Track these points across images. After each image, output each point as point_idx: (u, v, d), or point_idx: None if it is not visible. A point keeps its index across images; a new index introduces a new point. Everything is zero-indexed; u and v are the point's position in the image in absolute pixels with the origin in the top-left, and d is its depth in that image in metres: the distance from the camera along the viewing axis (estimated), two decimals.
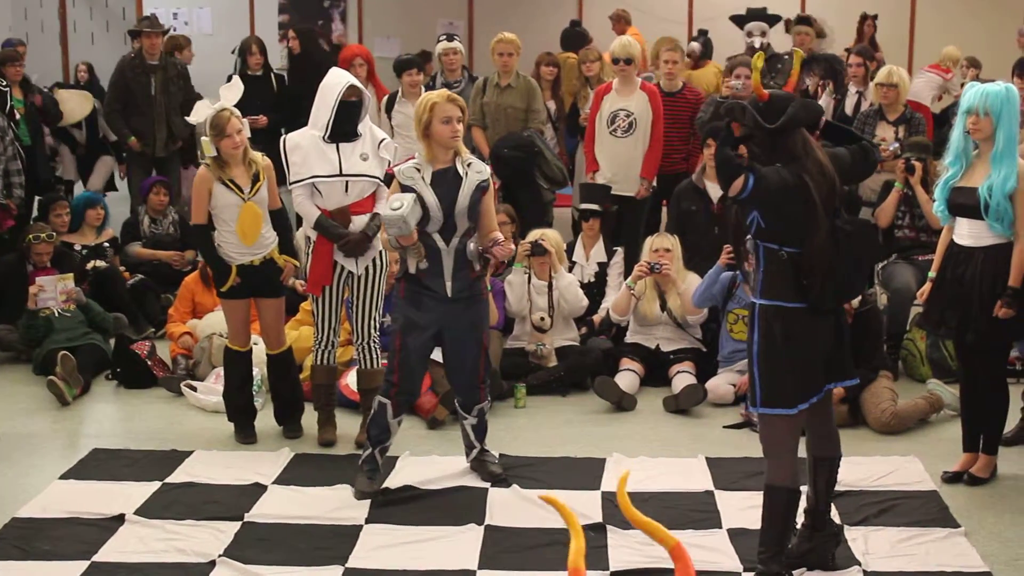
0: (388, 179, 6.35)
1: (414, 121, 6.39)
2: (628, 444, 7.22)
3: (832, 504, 5.63)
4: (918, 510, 6.19)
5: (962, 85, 10.15)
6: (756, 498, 5.53)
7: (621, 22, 14.01)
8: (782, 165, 5.00)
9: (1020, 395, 7.15)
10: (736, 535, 5.81)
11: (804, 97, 10.30)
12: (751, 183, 4.90)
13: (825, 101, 10.33)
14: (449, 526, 6.01)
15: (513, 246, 6.37)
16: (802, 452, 5.46)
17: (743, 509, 6.08)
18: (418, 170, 6.30)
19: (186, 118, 7.28)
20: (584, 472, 6.75)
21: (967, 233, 6.35)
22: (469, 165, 6.36)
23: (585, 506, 6.21)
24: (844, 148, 5.32)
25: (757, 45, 10.89)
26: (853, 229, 5.14)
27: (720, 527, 5.99)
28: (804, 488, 5.50)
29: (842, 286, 5.10)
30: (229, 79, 10.43)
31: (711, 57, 12.43)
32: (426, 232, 6.26)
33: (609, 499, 6.33)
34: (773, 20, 11.35)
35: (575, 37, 12.92)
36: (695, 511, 6.20)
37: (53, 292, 8.88)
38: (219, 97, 7.12)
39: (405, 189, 6.24)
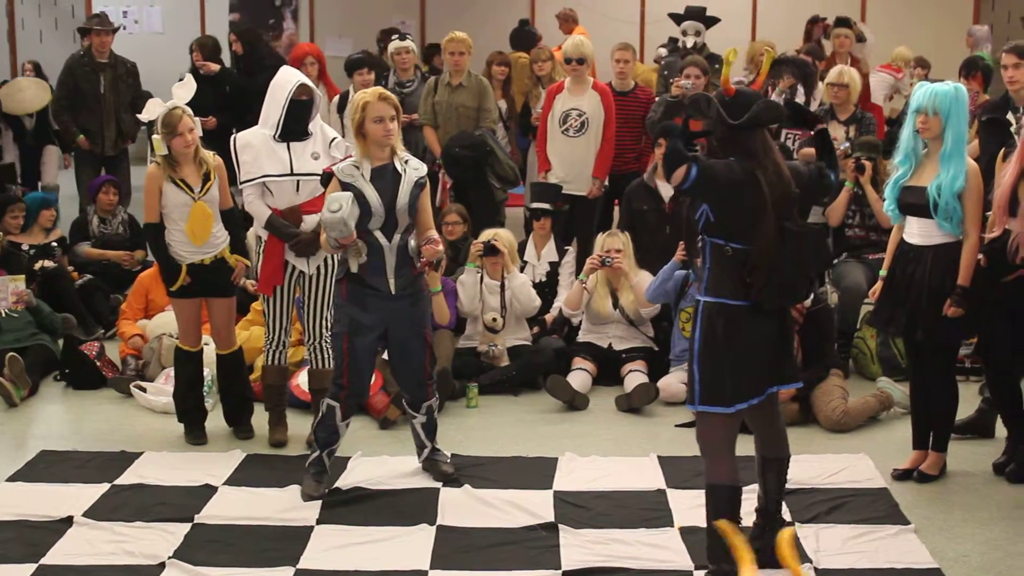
0: (327, 179, 6.30)
1: (349, 120, 6.35)
2: (580, 443, 7.22)
3: (783, 502, 5.65)
4: (868, 507, 6.22)
5: (912, 85, 10.23)
6: None
7: (569, 21, 14.01)
8: (736, 160, 5.02)
9: (978, 391, 7.18)
10: (688, 533, 5.82)
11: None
12: (693, 173, 4.89)
13: (775, 99, 10.37)
14: (401, 526, 5.99)
15: (441, 247, 6.34)
16: (752, 451, 5.49)
17: (695, 507, 6.06)
18: (357, 167, 6.28)
19: (137, 116, 7.21)
20: (536, 471, 6.74)
21: (917, 232, 6.39)
22: (407, 162, 6.34)
23: (537, 506, 6.21)
24: (804, 166, 5.36)
25: (689, 44, 10.92)
26: (801, 232, 5.15)
27: (672, 526, 6.00)
28: (754, 486, 5.54)
29: (785, 287, 5.09)
30: (182, 77, 10.41)
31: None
32: (367, 229, 6.24)
33: (561, 498, 6.33)
34: (711, 21, 11.37)
35: (525, 36, 12.93)
36: (647, 509, 6.21)
37: (4, 293, 8.79)
38: (171, 95, 7.06)
39: (345, 187, 6.22)
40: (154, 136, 6.97)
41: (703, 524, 5.36)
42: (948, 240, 6.30)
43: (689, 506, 6.12)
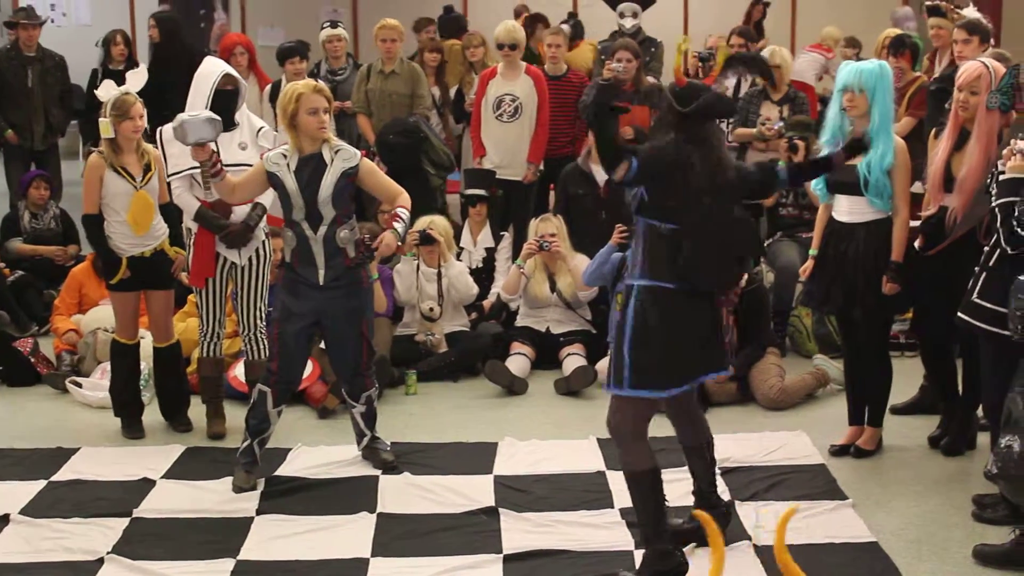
0: None
1: (279, 110, 6.30)
2: (520, 427, 7.24)
3: (720, 480, 5.68)
4: (807, 484, 6.28)
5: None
6: None
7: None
8: (672, 142, 5.02)
9: (921, 367, 7.25)
10: (628, 513, 5.83)
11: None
12: (635, 167, 4.90)
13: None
14: (341, 515, 5.98)
15: (392, 239, 6.32)
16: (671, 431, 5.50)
17: None
18: (285, 156, 6.25)
19: (96, 92, 7.14)
20: (476, 457, 6.76)
21: (847, 210, 6.44)
22: (337, 152, 6.29)
23: (478, 491, 6.23)
24: (755, 168, 5.43)
25: (628, 26, 10.93)
26: (733, 217, 5.17)
27: (612, 506, 6.03)
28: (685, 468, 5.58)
29: (715, 270, 5.09)
30: (93, 73, 10.28)
31: (583, 37, 12.49)
32: (293, 220, 6.22)
33: (502, 482, 6.34)
34: (646, 3, 11.35)
35: (451, 23, 12.88)
36: (587, 491, 6.23)
37: None
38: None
39: (270, 175, 6.22)
40: (102, 119, 6.90)
41: None
42: (879, 216, 6.36)
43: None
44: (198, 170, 6.77)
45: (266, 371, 6.43)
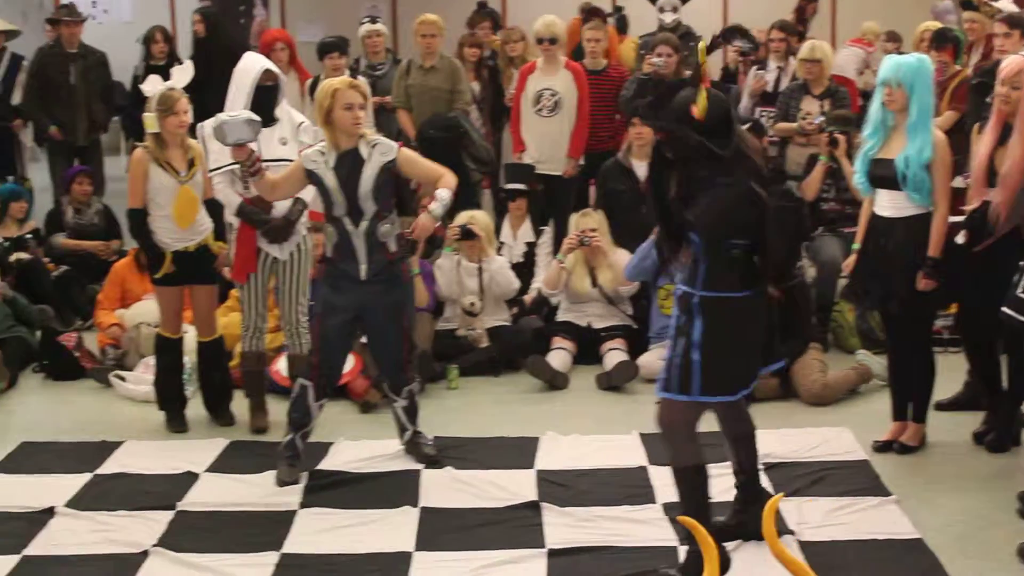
0: None
1: (315, 107, 6.32)
2: (561, 422, 7.23)
3: (763, 475, 5.66)
4: (850, 480, 6.25)
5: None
6: None
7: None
8: (730, 186, 4.93)
9: (967, 361, 7.21)
10: (671, 509, 5.82)
11: (725, 75, 10.37)
12: (697, 243, 4.93)
13: (752, 74, 10.39)
14: (384, 509, 5.99)
15: (428, 222, 6.33)
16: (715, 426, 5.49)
17: None
18: (322, 154, 6.26)
19: (141, 87, 7.18)
20: (518, 451, 6.75)
21: (887, 204, 6.40)
22: (374, 147, 6.29)
23: (520, 485, 6.24)
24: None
25: (668, 20, 10.90)
26: (784, 209, 5.17)
27: (655, 502, 6.02)
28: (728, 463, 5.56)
29: (785, 265, 5.13)
30: (135, 69, 10.33)
31: (627, 32, 12.45)
32: (335, 216, 6.24)
33: (544, 477, 6.34)
34: None
35: (485, 18, 12.86)
36: (630, 486, 6.23)
37: None
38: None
39: (308, 174, 6.23)
40: (147, 114, 6.93)
41: None
42: (918, 211, 6.31)
43: (671, 482, 6.09)
44: (239, 166, 6.80)
45: (307, 365, 6.46)
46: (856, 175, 6.57)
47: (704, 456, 5.20)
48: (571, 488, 6.22)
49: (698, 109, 4.88)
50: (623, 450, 6.75)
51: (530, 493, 6.13)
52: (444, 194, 6.34)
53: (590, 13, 11.71)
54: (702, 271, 5.01)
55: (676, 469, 5.20)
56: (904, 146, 6.25)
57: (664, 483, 6.15)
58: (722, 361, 5.01)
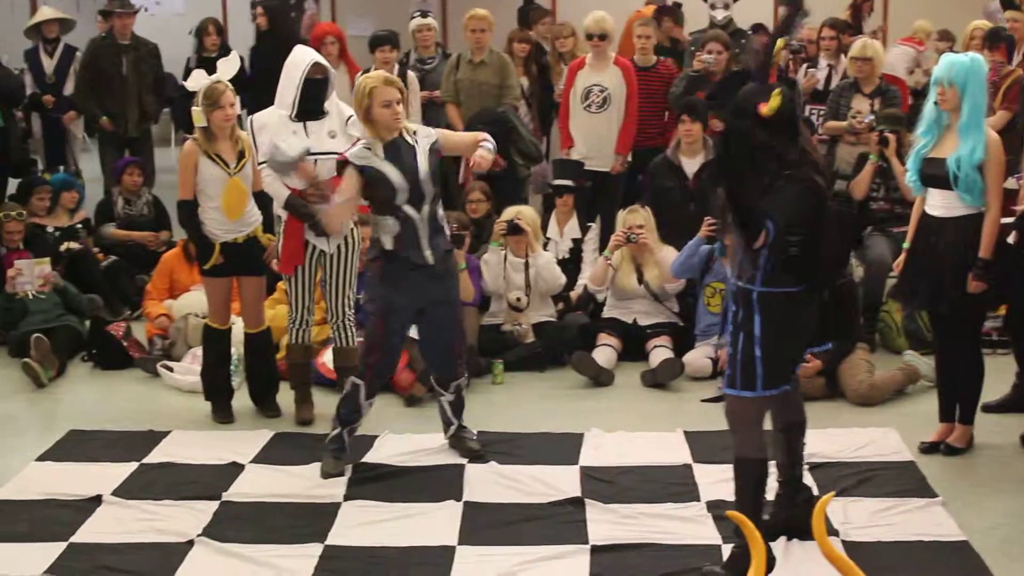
0: (342, 165, 6.30)
1: (354, 106, 6.34)
2: (606, 419, 7.22)
3: (808, 475, 5.64)
4: (895, 481, 6.21)
5: (935, 58, 10.16)
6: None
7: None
8: (792, 177, 4.94)
9: (1015, 363, 7.16)
10: (714, 507, 5.82)
11: (780, 74, 10.31)
12: (772, 231, 4.88)
13: (803, 72, 10.33)
14: (428, 503, 6.01)
15: (489, 154, 6.37)
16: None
17: (721, 481, 6.05)
18: (368, 148, 6.27)
19: (184, 83, 7.23)
20: (562, 447, 6.76)
21: (938, 204, 6.36)
22: (415, 133, 6.33)
23: (564, 481, 6.23)
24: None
25: (719, 17, 10.85)
26: (843, 208, 5.18)
27: (698, 500, 6.01)
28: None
29: (835, 263, 5.15)
30: (188, 61, 10.39)
31: (683, 25, 12.41)
32: (396, 205, 6.24)
33: (588, 473, 6.34)
34: None
35: (531, 14, 12.85)
36: (673, 484, 6.22)
37: (30, 276, 8.83)
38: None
39: (362, 170, 6.22)
40: (194, 108, 6.97)
41: (730, 498, 5.36)
42: (969, 212, 6.26)
43: (715, 480, 6.13)
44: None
45: (363, 364, 6.46)
46: (908, 174, 6.53)
47: (767, 451, 5.23)
48: (614, 485, 6.22)
49: (768, 108, 4.88)
50: (667, 447, 6.74)
51: (573, 489, 6.13)
52: (488, 142, 6.42)
53: (663, 12, 11.71)
54: (762, 267, 5.00)
55: (738, 460, 5.21)
56: (956, 146, 6.20)
57: (707, 481, 6.19)
58: (781, 354, 5.07)
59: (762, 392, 5.07)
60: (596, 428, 7.02)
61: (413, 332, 6.72)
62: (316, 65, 6.90)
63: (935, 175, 6.29)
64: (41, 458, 6.70)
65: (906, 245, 6.63)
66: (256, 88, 10.16)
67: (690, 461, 6.52)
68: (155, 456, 6.69)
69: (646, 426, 7.10)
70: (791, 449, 5.52)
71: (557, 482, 6.22)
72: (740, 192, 4.91)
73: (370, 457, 6.60)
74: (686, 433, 6.88)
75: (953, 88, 6.16)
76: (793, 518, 5.41)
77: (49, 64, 11.70)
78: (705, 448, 6.63)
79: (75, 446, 6.89)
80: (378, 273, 6.37)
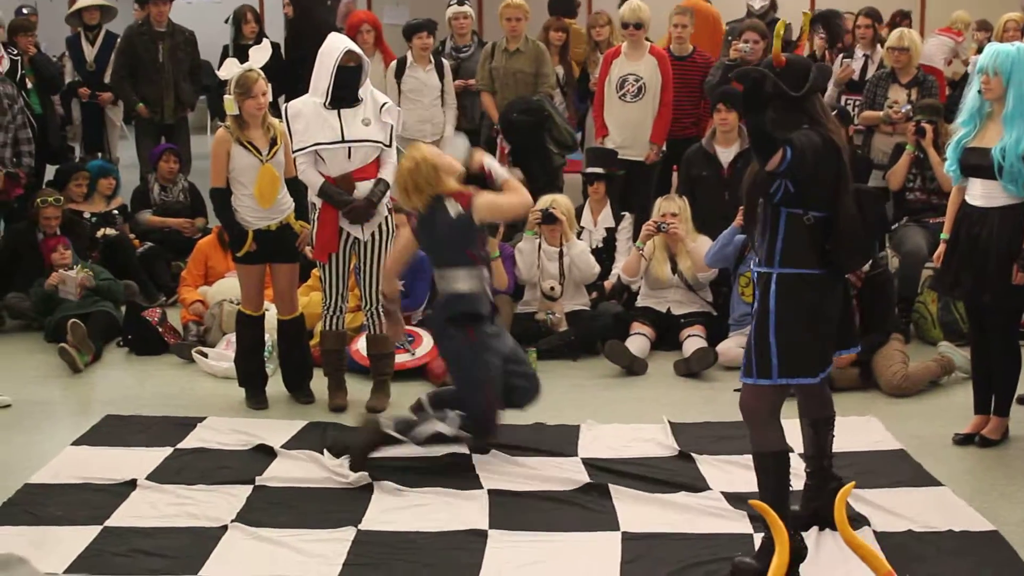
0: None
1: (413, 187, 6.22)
2: (639, 408, 7.22)
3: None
4: (894, 471, 6.22)
5: (979, 49, 10.09)
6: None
7: None
8: (811, 128, 4.92)
9: None
10: (732, 499, 5.81)
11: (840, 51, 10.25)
12: (789, 155, 4.77)
13: (839, 62, 10.28)
14: (455, 489, 6.00)
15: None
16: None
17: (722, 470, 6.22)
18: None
19: (217, 72, 7.26)
20: (562, 438, 6.73)
21: (980, 194, 6.31)
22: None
23: (581, 470, 6.24)
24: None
25: (757, 6, 10.83)
26: (871, 193, 5.12)
27: (710, 488, 6.01)
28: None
29: (860, 249, 5.05)
30: (224, 49, 10.41)
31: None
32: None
33: (591, 464, 6.32)
34: None
35: (562, 3, 12.79)
36: (675, 473, 6.22)
37: (72, 286, 8.85)
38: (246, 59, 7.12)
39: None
40: (226, 96, 7.00)
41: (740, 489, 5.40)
42: (1013, 202, 6.22)
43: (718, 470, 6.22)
44: (322, 146, 6.86)
45: (484, 433, 6.34)
46: (947, 163, 6.49)
47: (785, 443, 5.14)
48: (645, 473, 6.19)
49: (774, 49, 4.93)
50: (656, 440, 6.72)
51: (597, 477, 6.11)
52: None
53: None
54: (779, 247, 4.97)
55: (756, 455, 5.16)
56: (1000, 135, 6.16)
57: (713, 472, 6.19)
58: (799, 342, 4.96)
59: (778, 380, 4.98)
60: (591, 420, 6.99)
61: None
62: (349, 53, 6.90)
63: (977, 165, 6.25)
64: (77, 442, 6.73)
65: (944, 236, 6.59)
66: (289, 76, 10.20)
67: (686, 452, 6.50)
68: (190, 441, 6.72)
69: (678, 415, 7.07)
70: (818, 443, 5.46)
71: (577, 471, 6.23)
72: (761, 121, 4.85)
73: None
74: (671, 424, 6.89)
75: (999, 77, 6.12)
76: (824, 507, 5.37)
77: (90, 52, 11.75)
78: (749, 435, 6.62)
79: (110, 431, 6.92)
80: (471, 337, 6.20)
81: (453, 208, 6.12)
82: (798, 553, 5.03)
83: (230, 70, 7.02)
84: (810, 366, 5.02)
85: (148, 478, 6.16)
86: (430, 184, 6.10)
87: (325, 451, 6.45)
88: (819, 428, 5.44)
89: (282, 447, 6.58)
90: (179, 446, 6.65)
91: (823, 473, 5.48)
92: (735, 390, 7.41)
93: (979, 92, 6.24)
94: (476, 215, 6.12)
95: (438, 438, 6.25)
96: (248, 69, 6.98)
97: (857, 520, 5.45)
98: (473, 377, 6.22)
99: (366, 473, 6.11)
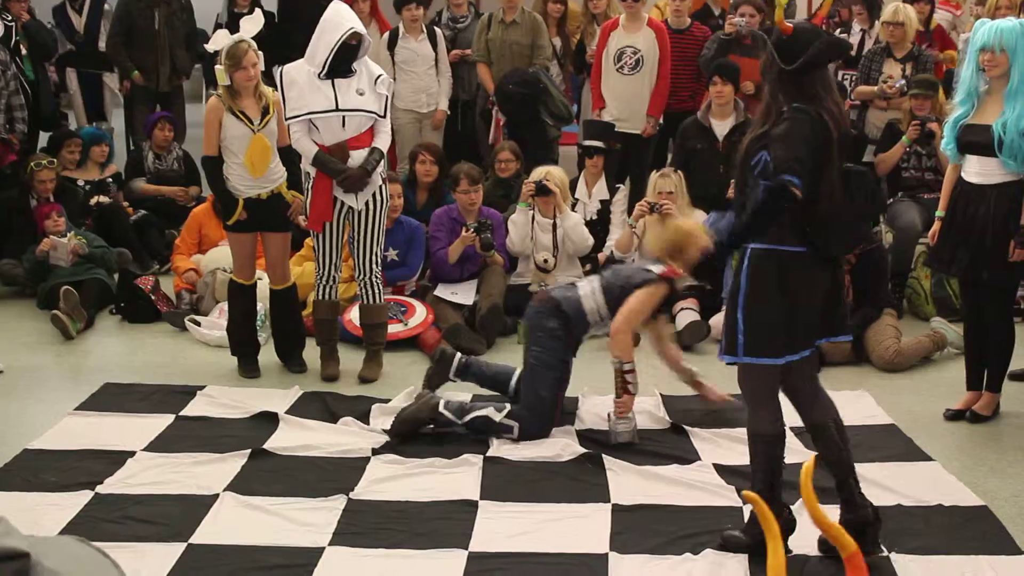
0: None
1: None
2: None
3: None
4: (885, 445, 6.22)
5: (971, 22, 10.07)
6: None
7: None
8: (799, 109, 4.65)
9: None
10: (723, 471, 5.85)
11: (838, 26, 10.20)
12: (799, 184, 4.53)
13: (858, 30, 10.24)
14: (448, 459, 6.01)
15: None
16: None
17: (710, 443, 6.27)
18: None
19: (205, 46, 7.24)
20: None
21: (977, 171, 6.31)
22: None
23: (576, 441, 6.28)
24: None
25: None
26: (861, 173, 4.96)
27: (700, 459, 6.06)
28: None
29: (847, 233, 4.80)
30: (217, 17, 10.36)
31: None
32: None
33: (584, 436, 6.36)
34: None
35: None
36: (668, 445, 6.28)
37: (63, 253, 8.84)
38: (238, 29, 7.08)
39: None
40: (217, 67, 6.98)
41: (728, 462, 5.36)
42: (1010, 179, 6.21)
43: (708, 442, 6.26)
44: (316, 114, 6.83)
45: (537, 430, 6.34)
46: (944, 140, 6.48)
47: (780, 426, 4.96)
48: (638, 446, 6.24)
49: (776, 17, 4.81)
50: (650, 415, 6.75)
51: (591, 448, 6.15)
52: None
53: None
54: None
55: (750, 435, 5.00)
56: (999, 112, 6.15)
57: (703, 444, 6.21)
58: (765, 321, 4.71)
59: (744, 359, 4.77)
60: (587, 388, 7.03)
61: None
62: (355, 34, 6.84)
63: (975, 142, 6.24)
64: (79, 408, 6.74)
65: (940, 213, 6.58)
66: (283, 46, 10.15)
67: (678, 424, 6.56)
68: (188, 410, 6.73)
69: (670, 388, 7.09)
70: (826, 452, 4.99)
71: (571, 441, 6.26)
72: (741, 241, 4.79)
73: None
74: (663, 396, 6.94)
75: (1004, 54, 6.10)
76: (856, 531, 4.70)
77: (78, 21, 11.72)
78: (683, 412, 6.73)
79: (110, 399, 6.93)
80: (569, 347, 6.58)
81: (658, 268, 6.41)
82: (787, 525, 5.01)
83: (220, 41, 7.00)
84: (774, 347, 4.73)
85: (147, 447, 6.17)
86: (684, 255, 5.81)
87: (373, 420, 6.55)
88: (818, 435, 5.04)
89: (278, 417, 6.57)
90: (180, 414, 6.67)
91: (848, 492, 4.99)
92: (728, 363, 7.46)
93: (975, 70, 6.22)
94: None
95: (486, 423, 6.30)
96: (239, 40, 6.95)
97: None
98: (556, 379, 6.41)
99: (374, 445, 6.16)
